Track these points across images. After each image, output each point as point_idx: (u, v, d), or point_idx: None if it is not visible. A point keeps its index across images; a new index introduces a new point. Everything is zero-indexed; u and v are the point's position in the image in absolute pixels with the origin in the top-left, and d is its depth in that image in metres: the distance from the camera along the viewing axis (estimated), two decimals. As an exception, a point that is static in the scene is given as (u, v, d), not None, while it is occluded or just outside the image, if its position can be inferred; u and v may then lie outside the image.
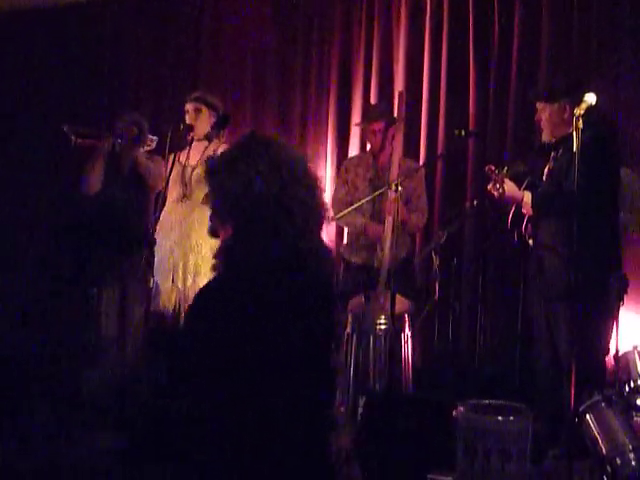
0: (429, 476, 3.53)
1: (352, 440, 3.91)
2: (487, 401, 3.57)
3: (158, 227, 5.11)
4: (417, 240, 5.89)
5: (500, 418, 3.38)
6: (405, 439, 3.68)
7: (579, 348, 3.67)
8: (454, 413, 3.45)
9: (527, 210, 4.29)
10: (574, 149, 3.68)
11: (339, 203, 5.29)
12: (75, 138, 5.51)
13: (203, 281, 5.08)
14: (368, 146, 5.74)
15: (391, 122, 5.32)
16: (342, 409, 4.62)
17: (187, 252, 5.12)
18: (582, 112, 3.70)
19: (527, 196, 4.27)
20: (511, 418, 3.39)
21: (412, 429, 3.70)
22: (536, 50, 5.74)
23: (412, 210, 5.31)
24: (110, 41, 7.27)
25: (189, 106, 5.25)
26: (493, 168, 4.28)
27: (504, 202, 4.32)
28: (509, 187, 4.25)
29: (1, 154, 7.33)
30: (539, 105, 4.34)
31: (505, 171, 4.26)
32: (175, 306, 5.13)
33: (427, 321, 5.67)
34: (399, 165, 5.12)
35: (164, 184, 4.94)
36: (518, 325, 4.86)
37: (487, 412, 3.45)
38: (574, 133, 3.69)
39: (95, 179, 5.48)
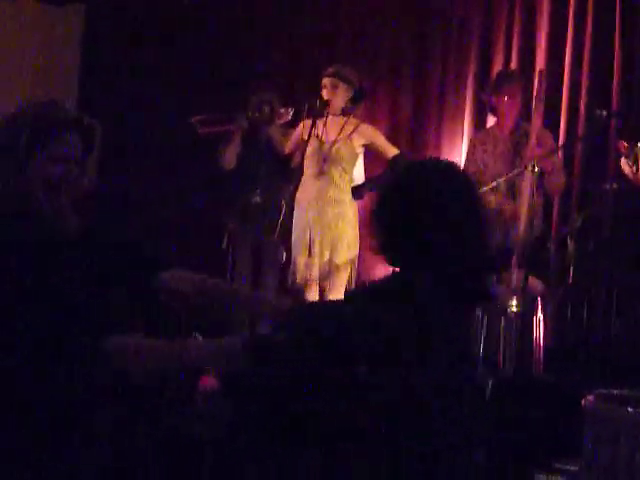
0: (555, 464, 3.51)
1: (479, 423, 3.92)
2: (618, 391, 3.51)
3: (296, 200, 5.26)
4: (553, 223, 5.80)
5: (630, 409, 3.33)
6: (532, 424, 3.67)
7: None
8: (583, 402, 3.41)
9: None
10: None
11: None
12: (201, 130, 5.68)
13: (340, 256, 5.18)
14: (490, 122, 5.68)
15: (524, 91, 5.27)
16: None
17: (324, 228, 5.21)
18: None
19: None
20: (642, 410, 3.32)
21: (540, 414, 3.68)
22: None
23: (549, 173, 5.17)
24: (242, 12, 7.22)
25: (326, 81, 5.29)
26: (625, 144, 4.14)
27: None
28: None
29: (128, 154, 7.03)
30: None
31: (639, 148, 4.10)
32: (314, 280, 5.24)
33: (561, 305, 5.59)
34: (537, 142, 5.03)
35: (300, 156, 5.06)
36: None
37: (617, 402, 3.40)
38: None
39: (230, 156, 5.61)
